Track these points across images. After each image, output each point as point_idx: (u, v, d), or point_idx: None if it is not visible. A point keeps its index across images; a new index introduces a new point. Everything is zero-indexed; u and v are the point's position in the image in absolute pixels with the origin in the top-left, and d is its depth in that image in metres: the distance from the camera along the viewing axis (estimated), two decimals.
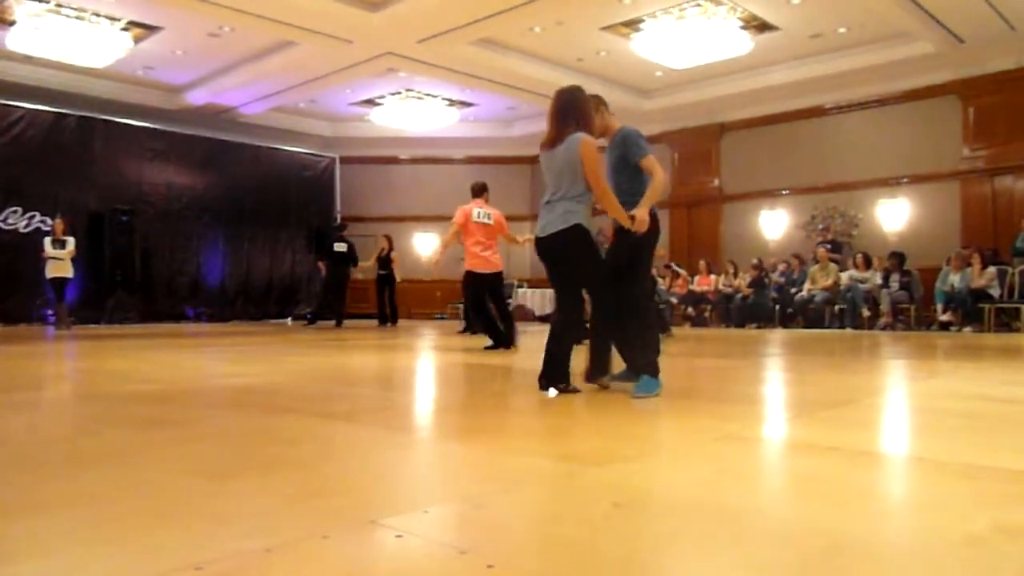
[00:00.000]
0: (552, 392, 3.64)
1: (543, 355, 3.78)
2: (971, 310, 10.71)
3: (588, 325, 4.02)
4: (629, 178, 3.95)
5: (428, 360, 6.58)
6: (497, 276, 7.35)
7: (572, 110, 3.81)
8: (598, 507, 1.83)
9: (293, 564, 1.41)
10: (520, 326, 13.81)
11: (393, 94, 14.84)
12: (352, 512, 1.76)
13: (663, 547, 1.56)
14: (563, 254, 3.79)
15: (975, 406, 3.59)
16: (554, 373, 3.72)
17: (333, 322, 12.78)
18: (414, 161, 17.59)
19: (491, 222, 7.22)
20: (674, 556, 1.52)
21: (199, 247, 15.38)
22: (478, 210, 7.21)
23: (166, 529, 1.63)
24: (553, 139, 3.80)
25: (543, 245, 3.83)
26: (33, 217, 13.05)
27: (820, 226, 13.41)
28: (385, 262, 12.80)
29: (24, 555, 1.49)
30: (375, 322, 13.18)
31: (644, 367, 3.78)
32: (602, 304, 3.86)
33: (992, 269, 10.68)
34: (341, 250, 12.85)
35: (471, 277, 7.24)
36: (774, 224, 14.15)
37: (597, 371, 3.96)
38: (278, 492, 1.96)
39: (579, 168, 3.69)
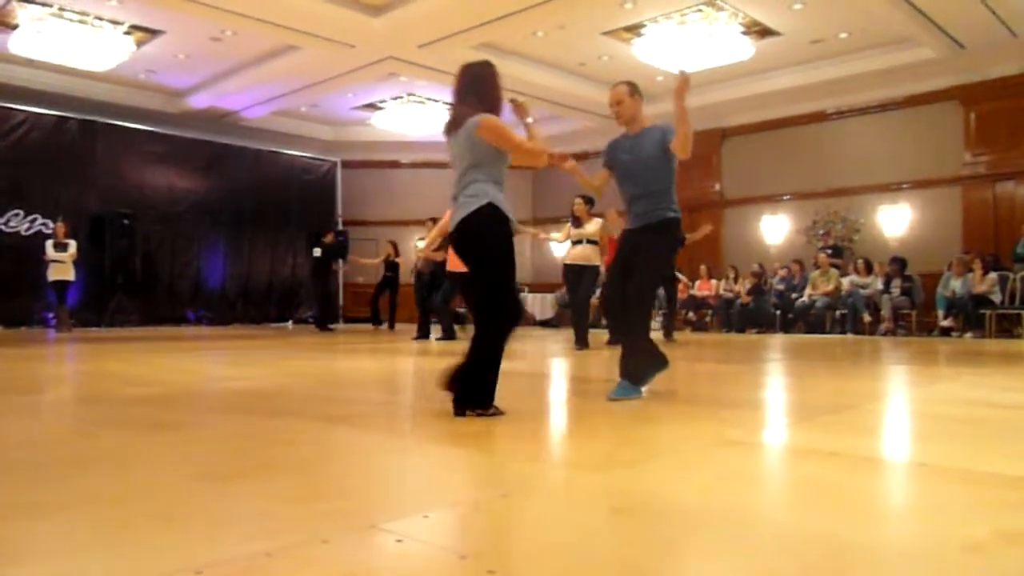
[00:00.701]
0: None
1: (458, 372, 3.17)
2: (972, 316, 10.70)
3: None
4: (669, 173, 3.91)
5: (426, 364, 6.58)
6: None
7: (472, 88, 3.35)
8: (598, 512, 1.83)
9: (293, 568, 1.41)
10: (522, 330, 13.75)
11: (395, 98, 14.86)
12: (352, 516, 1.76)
13: (663, 553, 1.55)
14: (476, 239, 3.22)
15: (977, 412, 3.59)
16: (469, 393, 3.12)
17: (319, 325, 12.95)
18: (415, 165, 17.60)
19: None
20: (674, 562, 1.52)
21: (200, 250, 15.39)
22: None
23: (166, 532, 1.63)
24: (454, 121, 3.34)
25: (455, 237, 3.30)
26: (35, 220, 13.05)
27: (821, 231, 13.41)
28: (392, 266, 12.96)
29: (25, 557, 1.49)
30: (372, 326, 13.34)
31: (625, 373, 3.71)
32: (488, 320, 3.19)
33: (993, 275, 10.67)
34: (316, 255, 13.02)
35: (458, 277, 7.15)
36: (775, 229, 14.14)
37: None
38: (278, 495, 1.96)
39: (481, 152, 3.24)
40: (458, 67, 3.48)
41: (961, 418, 3.39)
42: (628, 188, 3.96)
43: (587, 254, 8.07)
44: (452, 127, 3.36)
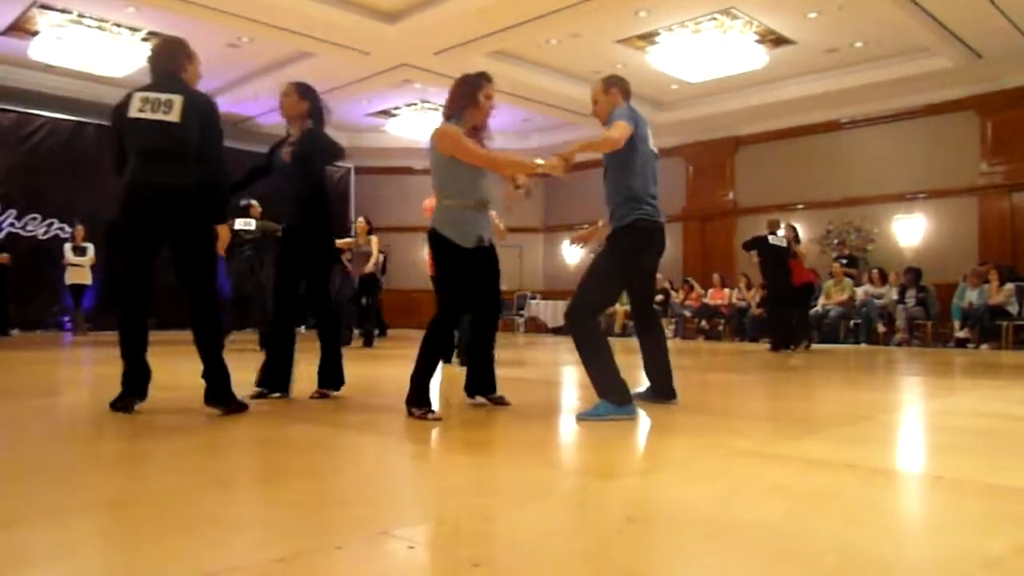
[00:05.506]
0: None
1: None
2: (988, 327, 10.61)
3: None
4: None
5: (435, 372, 6.57)
6: None
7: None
8: (611, 521, 1.83)
9: (306, 574, 1.41)
10: (533, 337, 13.78)
11: (409, 105, 14.93)
12: (365, 523, 1.76)
13: (676, 563, 1.55)
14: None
15: (993, 425, 3.55)
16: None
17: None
18: (428, 172, 17.60)
19: None
20: (687, 572, 1.51)
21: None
22: None
23: (180, 537, 1.63)
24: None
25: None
26: (52, 224, 13.20)
27: (835, 241, 13.34)
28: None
29: (40, 560, 1.50)
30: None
31: (600, 391, 3.43)
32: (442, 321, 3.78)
33: (1010, 286, 10.58)
34: None
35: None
36: None
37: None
38: (292, 502, 1.96)
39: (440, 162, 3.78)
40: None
41: (977, 431, 3.36)
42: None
43: None
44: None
